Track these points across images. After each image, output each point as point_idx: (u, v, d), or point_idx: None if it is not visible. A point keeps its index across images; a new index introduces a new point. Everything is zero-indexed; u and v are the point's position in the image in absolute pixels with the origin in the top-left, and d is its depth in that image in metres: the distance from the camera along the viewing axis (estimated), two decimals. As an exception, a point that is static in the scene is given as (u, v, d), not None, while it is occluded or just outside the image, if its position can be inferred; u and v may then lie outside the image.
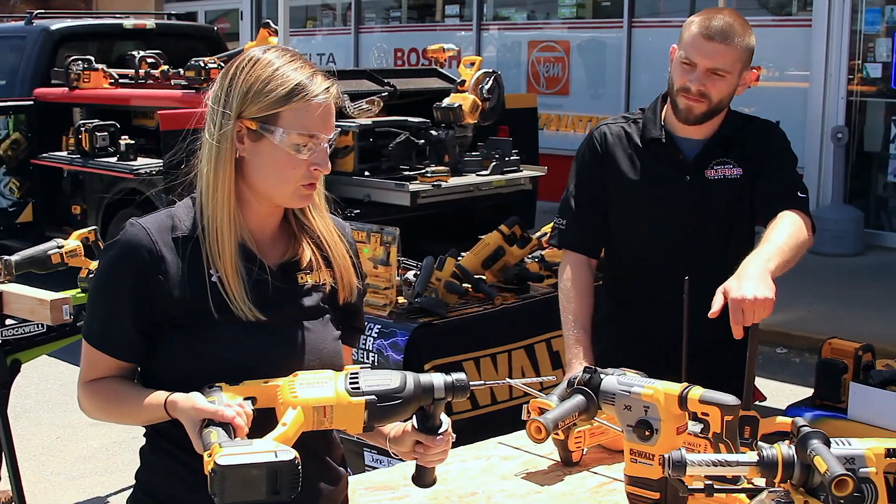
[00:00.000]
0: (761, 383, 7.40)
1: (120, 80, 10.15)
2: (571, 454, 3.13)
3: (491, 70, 7.40)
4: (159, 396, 2.37)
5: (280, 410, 2.28)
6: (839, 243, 11.54)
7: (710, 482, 2.28)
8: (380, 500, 2.93)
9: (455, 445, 3.39)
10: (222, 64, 8.22)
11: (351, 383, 2.30)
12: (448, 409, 4.70)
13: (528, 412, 3.09)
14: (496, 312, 5.25)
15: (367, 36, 16.27)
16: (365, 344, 4.86)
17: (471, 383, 2.40)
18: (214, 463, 2.07)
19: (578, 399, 2.75)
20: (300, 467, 2.11)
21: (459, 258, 5.51)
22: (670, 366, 2.98)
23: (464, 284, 5.33)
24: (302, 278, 2.54)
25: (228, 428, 2.19)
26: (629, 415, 2.68)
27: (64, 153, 10.00)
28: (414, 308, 5.06)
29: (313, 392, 2.27)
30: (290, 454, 2.10)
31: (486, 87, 7.24)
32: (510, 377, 5.12)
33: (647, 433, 2.64)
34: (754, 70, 3.62)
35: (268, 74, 2.42)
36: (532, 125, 9.77)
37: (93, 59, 10.29)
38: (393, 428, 2.55)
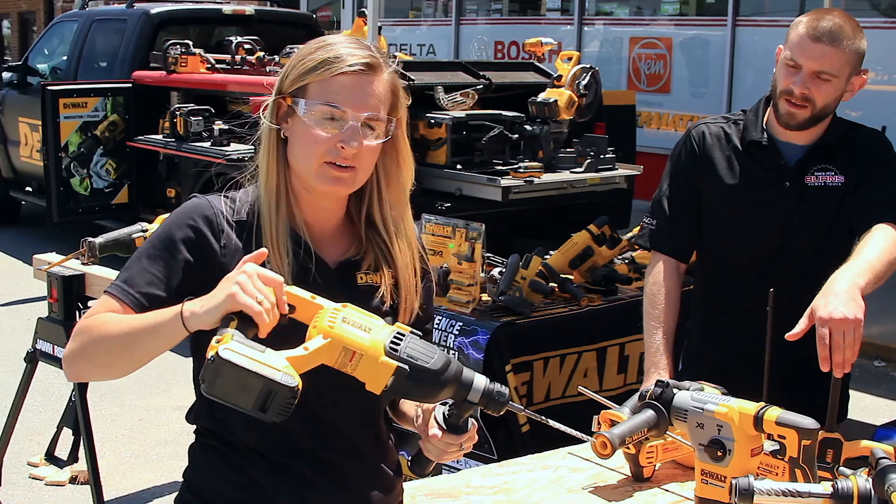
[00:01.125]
0: (855, 398, 7.24)
1: (216, 66, 10.18)
2: (643, 469, 3.01)
3: (588, 65, 7.30)
4: (172, 308, 2.20)
5: (310, 333, 2.15)
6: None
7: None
8: (441, 508, 2.84)
9: (523, 450, 3.33)
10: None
11: (392, 342, 2.15)
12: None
13: (599, 423, 2.98)
14: (582, 314, 5.14)
15: (467, 28, 16.19)
16: (446, 341, 4.78)
17: (511, 403, 2.25)
18: (217, 351, 1.98)
19: (648, 414, 2.63)
20: (296, 399, 2.02)
21: (547, 257, 5.42)
22: (759, 381, 2.85)
23: (550, 284, 5.23)
24: (361, 279, 2.46)
25: (250, 322, 2.08)
26: (701, 433, 2.56)
27: (159, 136, 10.05)
28: (497, 306, 4.97)
29: (351, 331, 2.13)
30: (293, 381, 2.00)
31: (583, 82, 7.14)
32: (570, 378, 5.00)
33: (719, 453, 2.51)
34: (863, 75, 3.45)
35: (310, 50, 2.36)
36: (630, 123, 9.64)
37: (190, 43, 10.33)
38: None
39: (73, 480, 5.92)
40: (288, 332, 2.14)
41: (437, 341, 4.84)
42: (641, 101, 12.58)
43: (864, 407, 6.73)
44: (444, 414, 2.31)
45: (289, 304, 2.16)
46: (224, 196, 2.44)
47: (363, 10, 8.33)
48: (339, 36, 2.42)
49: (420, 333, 2.21)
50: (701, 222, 3.60)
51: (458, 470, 3.75)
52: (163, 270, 2.32)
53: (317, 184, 2.36)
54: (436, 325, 4.85)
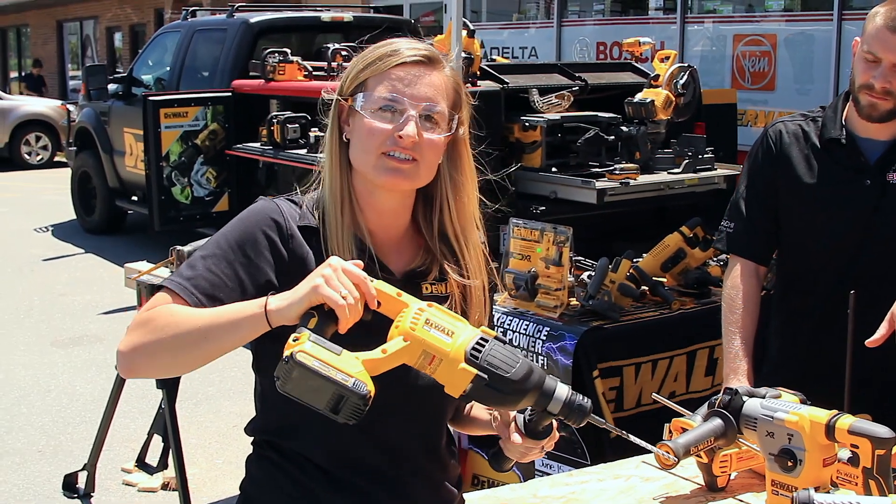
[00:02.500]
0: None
1: (314, 73, 10.20)
2: (717, 479, 2.89)
3: (686, 64, 7.21)
4: (256, 301, 2.15)
5: (392, 333, 2.09)
6: None
7: (845, 526, 2.06)
8: (506, 519, 2.76)
9: (613, 455, 3.24)
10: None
11: (474, 348, 2.07)
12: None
13: (671, 432, 2.88)
14: (673, 318, 5.03)
15: (570, 29, 16.04)
16: (534, 347, 4.71)
17: (592, 416, 2.18)
18: (292, 352, 1.96)
19: (716, 423, 2.53)
20: (369, 405, 1.98)
21: (638, 260, 5.32)
22: (840, 388, 2.73)
23: (641, 287, 5.13)
24: (426, 288, 2.39)
25: (331, 317, 2.04)
26: (772, 442, 2.46)
27: (257, 144, 10.10)
28: (586, 311, 4.89)
29: (432, 335, 2.06)
30: (364, 388, 1.96)
31: (681, 81, 7.06)
32: (663, 382, 4.89)
33: (789, 463, 2.41)
34: None
35: (369, 50, 2.34)
36: (731, 122, 9.47)
37: (288, 51, 10.36)
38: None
39: (164, 487, 5.97)
40: (370, 330, 2.10)
41: (524, 347, 4.78)
42: (746, 99, 12.36)
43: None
44: (524, 420, 2.27)
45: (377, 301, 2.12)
46: (290, 200, 2.39)
47: (465, 21, 8.17)
48: (404, 39, 2.37)
49: (505, 340, 2.14)
50: (779, 224, 3.47)
51: (547, 474, 3.68)
52: (229, 273, 2.26)
53: (376, 177, 2.30)
54: (523, 330, 4.78)
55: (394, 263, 2.38)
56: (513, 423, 2.29)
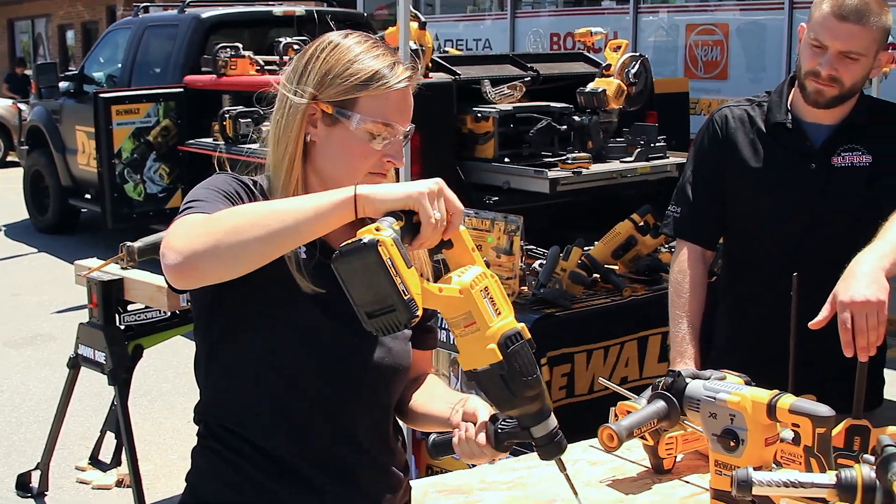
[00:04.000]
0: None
1: (266, 67, 10.15)
2: (663, 461, 2.90)
3: (638, 54, 7.23)
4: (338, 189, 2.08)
5: (449, 277, 2.05)
6: None
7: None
8: (451, 504, 2.76)
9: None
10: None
11: (510, 337, 2.03)
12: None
13: (616, 415, 2.88)
14: (625, 304, 5.05)
15: (523, 21, 16.05)
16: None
17: (560, 460, 2.22)
18: (373, 239, 1.89)
19: (658, 405, 2.53)
20: (406, 327, 1.93)
21: (589, 248, 5.34)
22: (787, 370, 2.74)
23: (593, 275, 5.15)
24: None
25: (411, 231, 2.00)
26: (714, 423, 2.46)
27: (210, 140, 10.06)
28: (538, 299, 4.89)
29: (485, 304, 2.01)
30: (416, 309, 1.91)
31: (633, 71, 7.07)
32: (614, 368, 4.92)
33: (732, 444, 2.41)
34: (891, 50, 3.32)
35: (349, 59, 2.31)
36: (683, 111, 9.50)
37: (240, 46, 10.32)
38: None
39: (119, 484, 5.93)
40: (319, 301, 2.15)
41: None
42: (699, 88, 12.40)
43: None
44: (496, 429, 2.23)
45: (451, 241, 2.10)
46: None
47: (417, 13, 8.10)
48: (357, 38, 2.36)
49: (535, 346, 2.12)
50: (725, 208, 3.48)
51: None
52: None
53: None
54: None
55: (336, 243, 2.37)
56: (479, 425, 2.28)
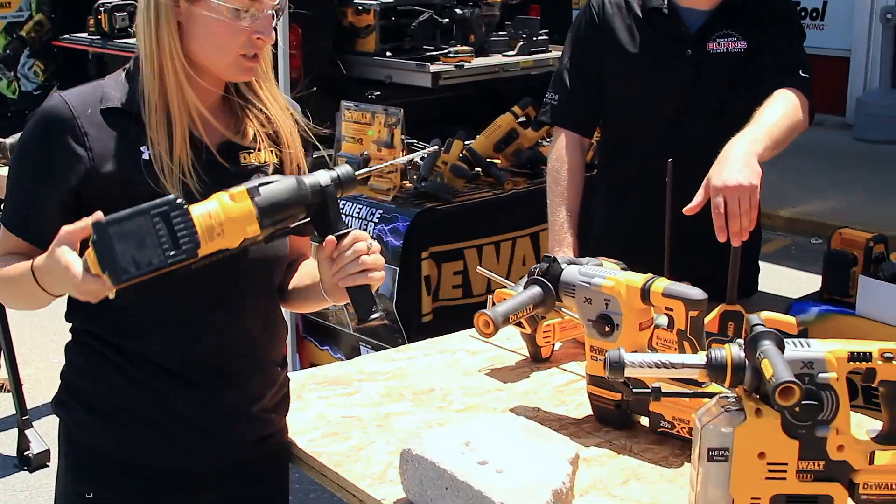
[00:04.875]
0: (792, 274, 7.21)
1: (142, -43, 9.89)
2: (540, 349, 2.91)
3: (520, -56, 7.15)
4: (27, 263, 2.13)
5: None
6: (888, 130, 11.04)
7: (657, 385, 2.07)
8: (328, 395, 2.73)
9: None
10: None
11: (229, 188, 2.06)
12: (435, 296, 4.59)
13: (493, 303, 2.88)
14: (506, 198, 5.04)
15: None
16: (366, 228, 4.67)
17: (357, 172, 2.19)
18: (93, 225, 1.89)
19: (534, 291, 2.52)
20: (187, 208, 1.94)
21: (470, 141, 5.31)
22: (662, 256, 2.75)
23: (474, 168, 5.13)
24: (245, 158, 2.34)
25: None
26: (590, 308, 2.46)
27: (85, 35, 9.78)
28: (420, 193, 4.87)
29: (193, 207, 2.00)
30: (169, 195, 1.94)
31: (514, -38, 7.00)
32: (510, 265, 4.94)
33: (606, 329, 2.41)
34: None
35: None
36: (566, 3, 9.48)
37: (114, -63, 10.03)
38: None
39: (-1, 388, 5.84)
40: None
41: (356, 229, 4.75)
42: (581, -19, 12.36)
43: (800, 284, 6.66)
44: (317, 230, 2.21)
45: None
46: (92, 85, 2.30)
47: None
48: None
49: None
50: (602, 94, 3.47)
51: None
52: (38, 193, 2.24)
53: (228, 74, 2.28)
54: (356, 214, 4.75)
55: (210, 136, 2.31)
56: (321, 258, 2.26)
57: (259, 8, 2.22)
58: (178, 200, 1.93)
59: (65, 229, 1.98)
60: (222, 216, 2.00)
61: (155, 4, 2.21)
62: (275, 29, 2.29)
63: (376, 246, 2.25)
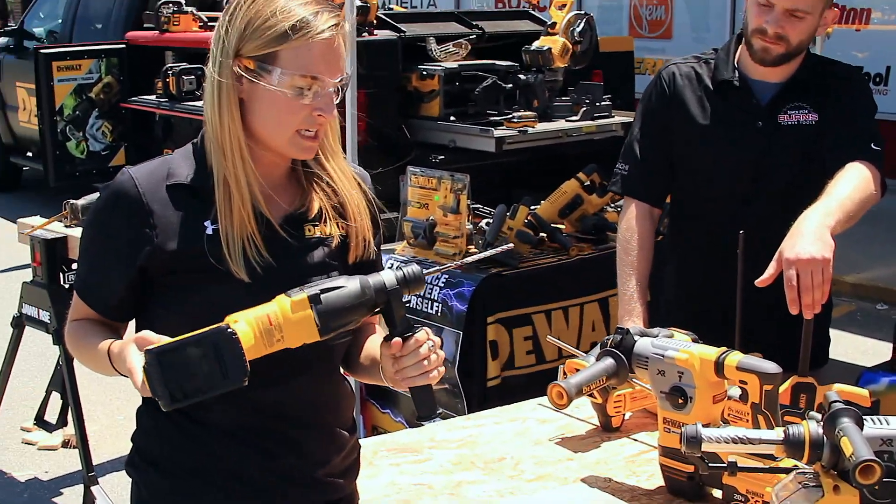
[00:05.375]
0: (859, 341, 7.16)
1: (209, 23, 10.05)
2: (611, 419, 2.92)
3: (583, 12, 7.25)
4: (105, 345, 2.22)
5: None
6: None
7: (733, 460, 2.08)
8: (400, 463, 2.76)
9: (502, 404, 3.25)
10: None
11: (288, 292, 2.09)
12: (509, 363, 4.60)
13: (565, 373, 2.90)
14: (571, 263, 5.06)
15: (469, -24, 16.03)
16: (430, 293, 4.71)
17: (425, 271, 2.19)
18: (146, 354, 1.94)
19: (607, 363, 2.54)
20: (237, 336, 1.97)
21: (535, 207, 5.34)
22: (733, 328, 2.76)
23: (539, 234, 5.16)
24: (310, 231, 2.37)
25: None
26: (663, 381, 2.48)
27: (153, 97, 9.96)
28: (485, 258, 4.88)
29: (254, 309, 2.06)
30: (224, 325, 1.97)
31: (578, 29, 7.08)
32: (580, 331, 4.94)
33: (680, 401, 2.43)
34: (835, 8, 3.34)
35: (269, 10, 2.23)
36: (628, 70, 9.51)
37: (183, 1, 10.19)
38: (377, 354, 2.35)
39: (65, 444, 5.90)
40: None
41: (421, 294, 4.77)
42: (643, 47, 12.43)
43: (866, 350, 6.63)
44: (388, 336, 2.22)
45: None
46: (158, 159, 2.36)
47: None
48: None
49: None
50: (673, 165, 3.49)
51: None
52: (106, 265, 2.31)
53: (287, 151, 2.29)
54: (422, 278, 4.77)
55: (275, 209, 2.34)
56: (381, 347, 2.27)
57: (321, 86, 2.23)
58: (229, 330, 1.97)
59: (139, 335, 2.06)
60: (282, 322, 2.05)
61: (218, 82, 2.25)
62: (342, 102, 2.31)
63: (439, 347, 2.27)
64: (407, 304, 2.26)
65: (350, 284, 2.12)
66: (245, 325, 2.03)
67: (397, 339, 2.20)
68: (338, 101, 2.29)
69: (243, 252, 2.24)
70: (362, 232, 2.42)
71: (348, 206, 2.40)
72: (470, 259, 2.43)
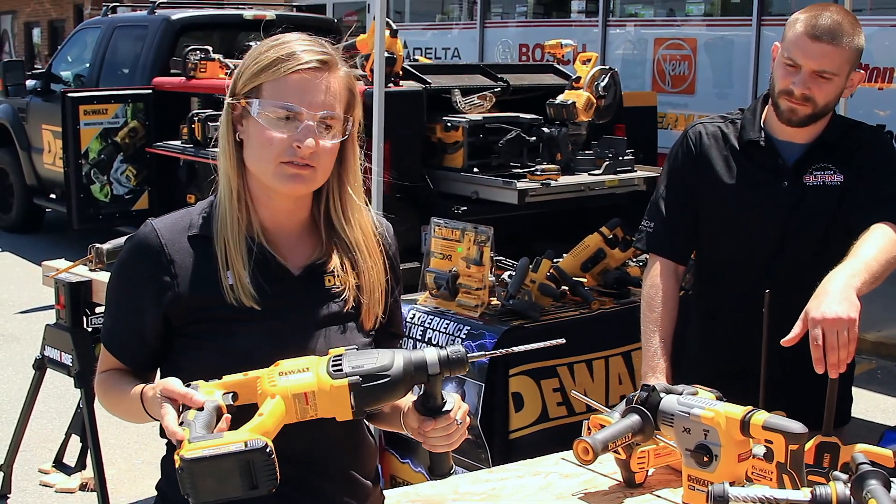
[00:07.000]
0: (879, 399, 7.14)
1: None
2: (634, 475, 2.92)
3: (608, 67, 7.27)
4: (138, 389, 2.27)
5: (260, 402, 2.12)
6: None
7: (759, 519, 2.09)
8: (425, 515, 2.77)
9: (520, 459, 3.25)
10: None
11: (333, 366, 2.12)
12: (545, 414, 4.60)
13: (589, 429, 2.90)
14: (593, 317, 5.06)
15: (492, 31, 16.11)
16: (452, 344, 4.71)
17: (469, 356, 2.20)
18: (181, 459, 1.95)
19: (633, 419, 2.56)
20: (273, 456, 1.98)
21: (558, 260, 5.35)
22: (757, 386, 2.77)
23: (561, 287, 5.16)
24: (329, 281, 2.39)
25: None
26: (688, 438, 2.49)
27: (178, 142, 10.02)
28: (506, 310, 4.90)
29: (293, 379, 2.11)
30: (260, 442, 1.97)
31: (602, 84, 7.10)
32: (608, 385, 4.94)
33: (705, 459, 2.44)
34: (861, 70, 3.36)
35: (263, 49, 2.29)
36: (651, 124, 9.56)
37: (210, 49, 10.30)
38: (405, 403, 2.37)
39: (83, 487, 5.89)
40: (245, 417, 2.12)
41: (443, 345, 4.78)
42: (666, 102, 12.48)
43: (886, 409, 6.63)
44: (419, 405, 2.26)
45: (230, 393, 2.15)
46: (182, 210, 2.41)
47: (388, 21, 8.15)
48: (295, 34, 2.34)
49: (356, 347, 2.19)
50: (698, 224, 3.51)
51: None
52: (131, 316, 2.37)
53: (275, 184, 2.29)
54: (443, 329, 4.79)
55: (292, 260, 2.38)
56: (413, 416, 2.30)
57: (299, 117, 2.25)
58: (268, 449, 1.99)
59: (171, 390, 2.12)
60: (317, 402, 2.11)
61: (224, 130, 2.33)
62: (344, 141, 2.34)
63: (467, 413, 2.30)
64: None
65: (393, 370, 2.14)
66: (281, 400, 2.08)
67: (429, 420, 2.24)
68: (335, 140, 2.30)
69: (259, 301, 2.27)
70: (378, 286, 2.45)
71: (364, 259, 2.42)
72: (518, 348, 2.43)
